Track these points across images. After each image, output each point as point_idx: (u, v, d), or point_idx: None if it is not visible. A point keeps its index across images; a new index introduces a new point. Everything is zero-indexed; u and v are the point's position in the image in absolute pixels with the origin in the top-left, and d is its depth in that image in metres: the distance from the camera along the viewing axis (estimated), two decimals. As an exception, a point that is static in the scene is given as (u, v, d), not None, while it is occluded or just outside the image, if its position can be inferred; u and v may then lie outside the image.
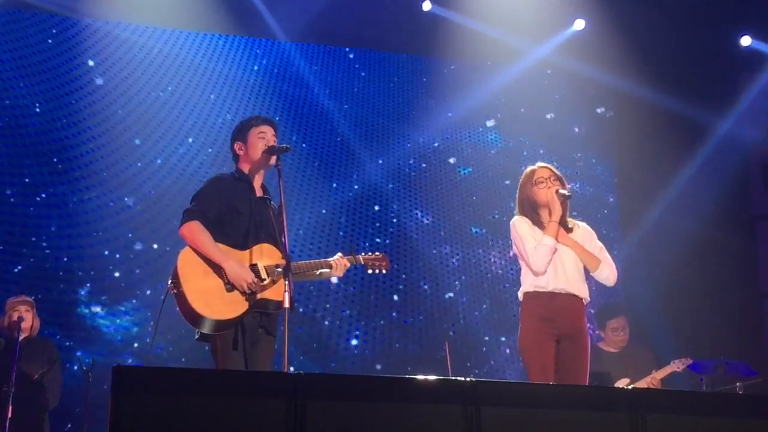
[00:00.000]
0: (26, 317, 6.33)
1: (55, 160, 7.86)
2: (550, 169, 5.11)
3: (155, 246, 7.83)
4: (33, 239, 7.64)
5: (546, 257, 4.92)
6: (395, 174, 8.74)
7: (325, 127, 8.68)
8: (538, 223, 5.05)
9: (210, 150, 8.19)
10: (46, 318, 6.80)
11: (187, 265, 4.50)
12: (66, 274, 7.64)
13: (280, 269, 4.53)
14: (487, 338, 8.48)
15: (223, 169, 5.60)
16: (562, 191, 5.01)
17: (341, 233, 8.41)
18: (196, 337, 4.59)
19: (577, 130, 9.33)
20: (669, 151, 8.65)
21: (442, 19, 8.53)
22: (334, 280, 7.92)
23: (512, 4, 8.32)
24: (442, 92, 9.06)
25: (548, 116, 9.23)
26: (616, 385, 6.50)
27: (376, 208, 8.61)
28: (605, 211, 9.11)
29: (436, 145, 8.95)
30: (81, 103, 8.03)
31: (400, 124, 8.88)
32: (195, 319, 4.44)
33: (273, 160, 4.76)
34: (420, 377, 3.67)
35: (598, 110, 9.33)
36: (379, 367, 8.09)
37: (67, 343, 7.42)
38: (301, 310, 7.83)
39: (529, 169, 5.16)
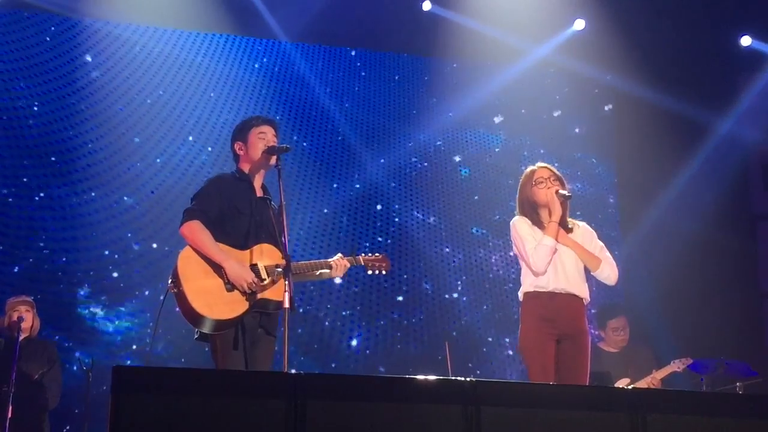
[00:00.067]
0: (26, 317, 6.32)
1: (53, 159, 7.84)
2: (550, 170, 5.11)
3: (154, 246, 7.82)
4: (31, 239, 7.62)
5: (546, 257, 4.92)
6: (396, 173, 8.74)
7: (326, 127, 8.68)
8: (538, 223, 5.05)
9: (210, 149, 8.18)
10: (45, 318, 6.79)
11: (188, 264, 4.50)
12: (65, 274, 7.62)
13: (280, 269, 4.53)
14: (490, 339, 8.47)
15: (224, 169, 5.60)
16: (562, 191, 5.01)
17: (341, 234, 8.40)
18: (196, 336, 4.59)
19: (577, 130, 9.33)
20: (669, 151, 8.65)
21: (442, 19, 8.53)
22: (338, 280, 7.94)
23: (512, 4, 8.31)
24: (442, 92, 9.06)
25: (550, 116, 9.22)
26: (616, 385, 6.50)
27: (378, 207, 8.61)
28: (606, 212, 9.11)
29: (437, 144, 8.95)
30: (80, 102, 8.01)
31: (400, 124, 8.88)
32: (195, 318, 4.44)
33: (273, 160, 4.76)
34: (420, 377, 3.67)
35: (606, 107, 9.32)
36: (382, 369, 8.08)
37: (67, 344, 7.42)
38: (301, 310, 7.83)
39: (529, 169, 5.16)
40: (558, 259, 4.95)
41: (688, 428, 3.72)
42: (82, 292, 7.65)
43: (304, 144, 8.55)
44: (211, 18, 8.16)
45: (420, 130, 8.89)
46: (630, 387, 6.31)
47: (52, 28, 8.11)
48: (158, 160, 8.07)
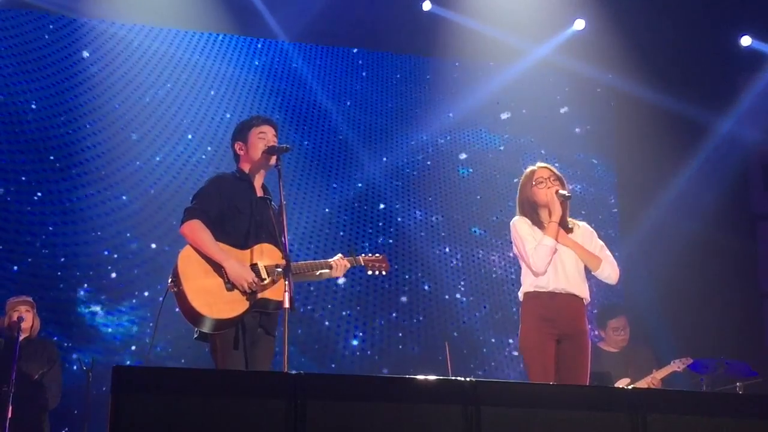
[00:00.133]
0: (26, 317, 6.32)
1: (52, 158, 7.81)
2: (550, 170, 5.11)
3: (153, 246, 7.80)
4: (30, 239, 7.60)
5: (546, 258, 4.92)
6: (398, 173, 8.73)
7: (327, 127, 8.67)
8: (538, 223, 5.05)
9: (209, 147, 8.17)
10: (44, 318, 6.79)
11: (188, 263, 4.50)
12: (64, 274, 7.61)
13: (280, 269, 4.54)
14: (492, 341, 8.47)
15: (223, 168, 5.60)
16: (561, 192, 5.01)
17: (341, 233, 8.40)
18: (195, 336, 4.59)
19: (578, 130, 9.33)
20: (669, 151, 8.65)
21: (442, 19, 8.52)
22: (341, 280, 7.96)
23: (512, 4, 8.31)
24: (442, 92, 9.05)
25: (551, 116, 9.22)
26: (616, 385, 6.50)
27: (382, 206, 8.60)
28: (606, 212, 9.11)
29: (438, 144, 8.94)
30: (78, 100, 7.98)
31: (401, 124, 8.88)
32: (195, 318, 4.44)
33: (273, 160, 4.76)
34: (420, 377, 3.67)
35: (609, 105, 9.32)
36: (383, 370, 8.08)
37: (67, 344, 7.41)
38: (301, 310, 7.83)
39: (529, 169, 5.16)
40: (558, 259, 4.95)
41: (688, 428, 3.72)
42: (81, 292, 7.64)
43: (305, 142, 8.54)
44: (211, 18, 8.15)
45: (420, 130, 8.89)
46: (630, 387, 6.31)
47: (50, 26, 8.08)
48: (157, 159, 8.05)
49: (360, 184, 8.62)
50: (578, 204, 8.32)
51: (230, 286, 4.49)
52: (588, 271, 5.08)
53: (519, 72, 8.93)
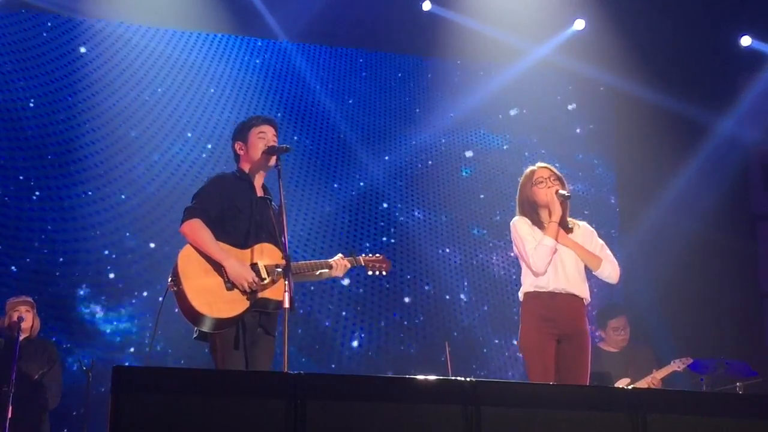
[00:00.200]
0: (26, 317, 6.32)
1: (50, 157, 7.79)
2: (550, 169, 5.11)
3: (152, 245, 7.79)
4: (29, 239, 7.59)
5: (546, 258, 4.92)
6: (398, 173, 8.73)
7: (328, 127, 8.67)
8: (538, 223, 5.05)
9: (210, 146, 8.16)
10: (44, 318, 6.79)
11: (188, 262, 4.50)
12: (63, 274, 7.60)
13: (279, 269, 4.54)
14: (496, 341, 8.46)
15: (222, 166, 5.60)
16: (561, 192, 5.01)
17: (342, 233, 8.40)
18: (195, 335, 4.59)
19: (579, 130, 9.33)
20: (669, 151, 8.65)
21: (442, 19, 8.52)
22: (346, 282, 7.96)
23: (512, 4, 8.31)
24: (442, 92, 9.05)
25: (551, 116, 9.22)
26: (616, 385, 6.50)
27: (385, 205, 8.60)
28: (607, 212, 9.11)
29: (439, 144, 8.94)
30: (77, 99, 7.96)
31: (401, 124, 8.87)
32: (195, 317, 4.44)
33: (273, 160, 4.76)
34: (420, 377, 3.67)
35: (613, 103, 9.33)
36: (383, 370, 8.07)
37: (66, 344, 7.41)
38: (301, 311, 7.83)
39: (529, 169, 5.16)
40: (558, 259, 4.95)
41: (688, 428, 3.72)
42: (81, 292, 7.63)
43: (307, 140, 8.54)
44: (211, 18, 8.15)
45: (420, 130, 8.88)
46: (630, 387, 6.31)
47: (49, 23, 8.06)
48: (157, 158, 8.04)
49: (362, 183, 8.62)
50: (579, 204, 8.34)
51: (230, 285, 4.49)
52: (588, 271, 5.08)
53: (519, 72, 8.94)
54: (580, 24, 8.66)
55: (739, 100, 8.81)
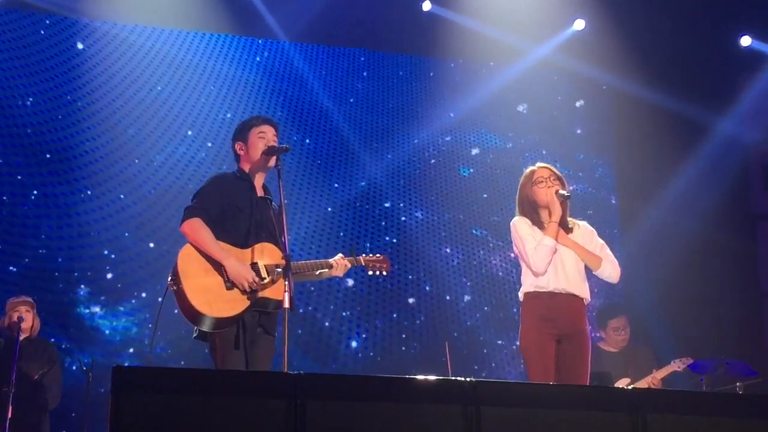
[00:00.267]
0: (26, 317, 6.32)
1: (48, 156, 7.76)
2: (550, 169, 5.11)
3: (152, 245, 7.78)
4: (27, 239, 7.57)
5: (546, 258, 4.92)
6: (399, 173, 8.72)
7: (328, 126, 8.66)
8: (538, 223, 5.05)
9: (210, 144, 8.15)
10: (43, 318, 6.78)
11: (188, 262, 4.50)
12: (63, 274, 7.58)
13: (279, 269, 4.54)
14: (498, 341, 8.46)
15: (222, 165, 5.60)
16: (561, 192, 5.01)
17: (343, 233, 8.39)
18: (195, 335, 4.59)
19: (579, 131, 9.33)
20: (669, 151, 8.65)
21: (442, 19, 8.52)
22: (350, 282, 7.96)
23: (512, 4, 8.31)
24: (442, 92, 9.05)
25: (552, 116, 9.22)
26: (616, 385, 6.50)
27: (387, 204, 8.59)
28: (607, 212, 9.11)
29: (440, 143, 8.94)
30: (76, 98, 7.94)
31: (402, 123, 8.87)
32: (194, 316, 4.44)
33: (273, 160, 4.76)
34: (420, 377, 3.67)
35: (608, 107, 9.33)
36: (383, 370, 8.06)
37: (66, 344, 7.40)
38: (301, 311, 7.82)
39: (529, 169, 5.16)
40: (558, 259, 4.95)
41: (688, 428, 3.71)
42: (81, 292, 7.62)
43: (307, 141, 8.53)
44: (211, 18, 8.15)
45: (420, 130, 8.88)
46: (630, 387, 6.31)
47: (47, 21, 8.04)
48: (156, 158, 8.01)
49: (362, 183, 8.61)
50: (581, 204, 8.34)
51: (230, 284, 4.49)
52: (589, 271, 5.08)
53: (519, 72, 8.94)
54: (580, 24, 8.66)
55: (739, 100, 8.81)
